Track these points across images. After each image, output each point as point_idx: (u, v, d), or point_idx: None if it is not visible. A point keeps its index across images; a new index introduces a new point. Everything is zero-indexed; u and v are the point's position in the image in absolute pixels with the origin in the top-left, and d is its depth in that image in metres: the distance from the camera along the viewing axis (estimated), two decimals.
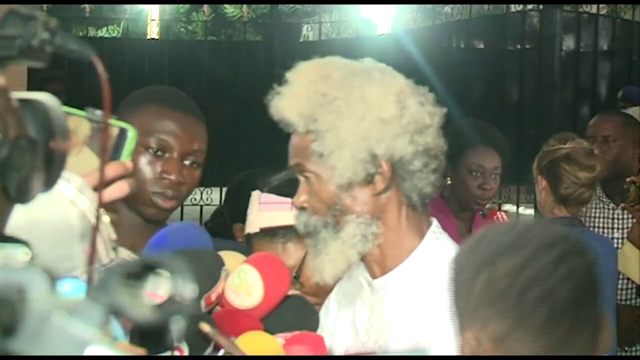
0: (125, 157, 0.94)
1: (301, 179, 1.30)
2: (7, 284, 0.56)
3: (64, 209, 0.86)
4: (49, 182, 0.73)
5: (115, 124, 0.94)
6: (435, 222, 1.33)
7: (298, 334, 1.14)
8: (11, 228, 0.73)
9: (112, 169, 0.92)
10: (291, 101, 1.26)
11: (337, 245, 1.26)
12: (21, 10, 0.71)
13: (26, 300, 0.55)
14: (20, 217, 0.73)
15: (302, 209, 1.29)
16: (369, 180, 1.26)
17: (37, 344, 0.55)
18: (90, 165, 0.91)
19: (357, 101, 1.24)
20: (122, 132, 0.95)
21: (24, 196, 0.69)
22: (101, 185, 0.90)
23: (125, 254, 1.05)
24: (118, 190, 0.92)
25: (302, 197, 1.29)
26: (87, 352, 0.55)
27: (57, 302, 0.56)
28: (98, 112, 0.89)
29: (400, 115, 1.24)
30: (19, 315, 0.55)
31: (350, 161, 1.24)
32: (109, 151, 0.93)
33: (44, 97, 0.76)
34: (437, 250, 1.30)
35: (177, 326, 0.56)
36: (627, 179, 2.86)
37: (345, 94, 1.24)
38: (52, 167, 0.73)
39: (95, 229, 0.80)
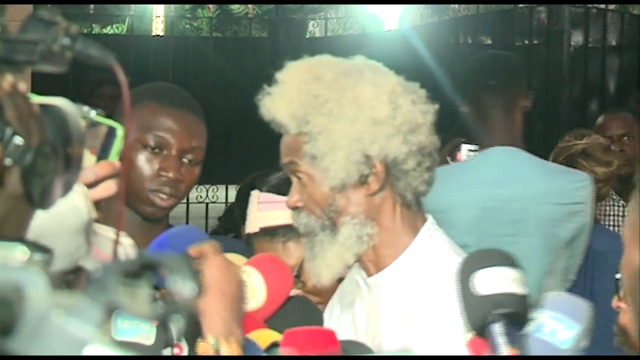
0: (114, 156, 0.94)
1: (293, 178, 1.29)
2: (5, 283, 0.55)
3: (73, 200, 0.87)
4: (67, 187, 0.73)
5: (104, 122, 0.94)
6: (430, 218, 1.32)
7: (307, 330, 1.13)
8: (34, 223, 0.73)
9: (101, 169, 0.92)
10: (282, 102, 1.25)
11: (335, 248, 1.26)
12: (42, 16, 0.71)
13: (24, 299, 0.55)
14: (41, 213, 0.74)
15: (296, 208, 1.29)
16: (363, 181, 1.25)
17: (35, 343, 0.55)
18: (86, 158, 0.90)
19: (350, 102, 1.23)
20: (111, 131, 0.94)
21: (46, 202, 0.70)
22: (123, 190, 0.90)
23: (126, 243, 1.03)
24: (105, 189, 0.92)
25: (295, 197, 1.29)
26: (86, 351, 0.54)
27: (55, 301, 0.55)
28: (85, 109, 0.89)
29: (393, 116, 1.24)
30: (17, 314, 0.54)
31: (343, 163, 1.24)
32: (97, 150, 0.93)
33: (60, 102, 0.76)
34: (430, 247, 1.29)
35: (177, 325, 0.55)
36: None
37: (338, 96, 1.24)
38: (70, 172, 0.73)
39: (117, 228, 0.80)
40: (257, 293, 1.16)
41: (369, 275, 1.31)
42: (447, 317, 1.22)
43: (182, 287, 0.55)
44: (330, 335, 1.10)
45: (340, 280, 1.43)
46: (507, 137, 2.23)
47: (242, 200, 2.25)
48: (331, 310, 1.41)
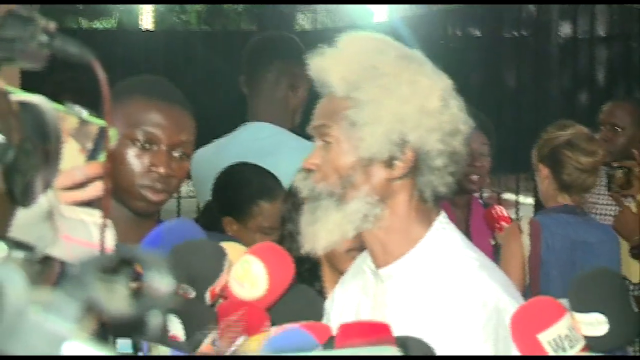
0: (104, 156, 0.93)
1: (318, 142, 1.29)
2: None
3: None
4: (47, 184, 0.73)
5: (96, 122, 0.93)
6: (443, 212, 1.33)
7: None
8: None
9: (90, 169, 0.91)
10: (336, 64, 1.27)
11: (338, 217, 1.25)
12: (20, 13, 0.71)
13: (1, 295, 0.54)
14: None
15: (308, 171, 1.28)
16: (389, 163, 1.26)
17: (13, 340, 0.55)
18: (74, 156, 0.90)
19: (407, 83, 1.25)
20: (102, 131, 0.94)
21: (28, 199, 0.70)
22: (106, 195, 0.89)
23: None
24: (95, 190, 0.91)
25: (314, 159, 1.28)
26: (64, 347, 0.54)
27: (33, 297, 0.55)
28: (77, 108, 0.88)
29: (441, 112, 1.26)
30: None
31: (380, 138, 1.24)
32: (87, 150, 0.92)
33: (38, 99, 0.76)
34: (443, 241, 1.29)
35: (155, 320, 0.55)
36: (614, 164, 2.85)
37: (397, 73, 1.26)
38: (49, 169, 0.73)
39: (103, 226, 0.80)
40: (259, 281, 1.15)
41: (378, 264, 1.30)
42: (458, 312, 1.22)
43: (159, 282, 0.55)
44: (384, 327, 1.08)
45: (341, 273, 1.43)
46: (265, 113, 2.33)
47: (220, 194, 2.24)
48: (333, 299, 1.40)
